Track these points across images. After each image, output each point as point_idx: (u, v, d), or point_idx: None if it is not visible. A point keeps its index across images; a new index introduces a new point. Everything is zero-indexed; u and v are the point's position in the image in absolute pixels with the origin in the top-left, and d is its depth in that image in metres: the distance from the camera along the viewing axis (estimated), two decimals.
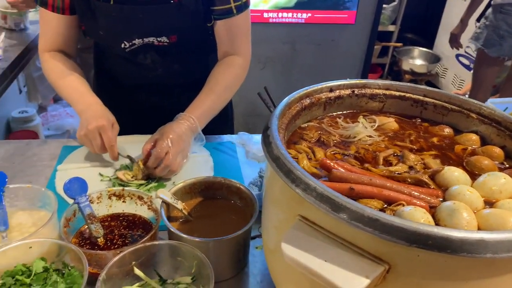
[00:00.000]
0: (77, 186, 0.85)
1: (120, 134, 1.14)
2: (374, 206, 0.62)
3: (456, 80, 4.10)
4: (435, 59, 4.38)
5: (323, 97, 0.85)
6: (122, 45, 1.19)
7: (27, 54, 1.97)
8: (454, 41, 3.11)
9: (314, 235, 0.57)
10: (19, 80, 2.60)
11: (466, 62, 3.92)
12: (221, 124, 1.46)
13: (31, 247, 0.77)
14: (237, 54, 1.26)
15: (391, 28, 4.02)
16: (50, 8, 1.13)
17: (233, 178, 0.93)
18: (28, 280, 0.73)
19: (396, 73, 4.48)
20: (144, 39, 1.18)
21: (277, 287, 0.76)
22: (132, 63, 1.25)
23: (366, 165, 0.72)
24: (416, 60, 4.45)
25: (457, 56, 4.01)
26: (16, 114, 2.58)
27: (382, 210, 0.62)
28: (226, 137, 1.34)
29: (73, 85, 1.17)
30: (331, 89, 0.86)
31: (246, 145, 1.28)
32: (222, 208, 0.92)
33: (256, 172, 1.17)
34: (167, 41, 1.19)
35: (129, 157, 1.12)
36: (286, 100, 0.78)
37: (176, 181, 1.10)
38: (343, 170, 0.66)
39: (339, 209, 0.53)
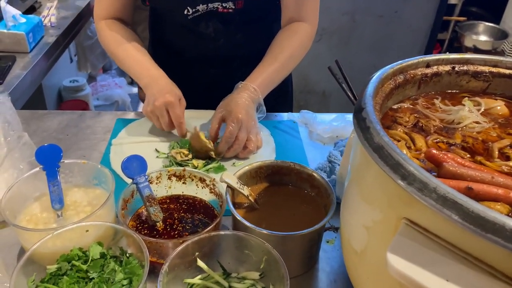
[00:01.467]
0: (136, 165, 0.78)
1: None
2: (499, 212, 0.50)
3: None
4: (502, 35, 4.01)
5: (419, 73, 0.72)
6: (185, 12, 1.09)
7: (79, 22, 1.93)
8: None
9: (428, 246, 0.46)
10: (70, 49, 2.59)
11: None
12: (279, 100, 1.36)
13: (87, 230, 0.71)
14: (303, 21, 1.13)
15: (454, 0, 3.71)
16: None
17: (297, 162, 0.83)
18: (84, 267, 0.67)
19: (456, 49, 4.15)
20: (209, 4, 1.08)
21: None
22: (193, 33, 1.16)
23: (478, 158, 0.60)
24: (480, 36, 4.09)
25: None
26: (67, 83, 2.59)
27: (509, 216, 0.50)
28: (287, 116, 1.23)
29: (134, 56, 1.09)
30: (428, 64, 0.73)
31: (310, 125, 1.17)
32: (291, 196, 0.82)
33: (322, 156, 1.07)
34: (233, 7, 1.09)
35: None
36: (378, 75, 0.66)
37: (236, 162, 1.01)
38: (456, 165, 0.54)
39: (469, 217, 0.41)
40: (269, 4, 1.17)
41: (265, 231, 0.69)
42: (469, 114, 0.67)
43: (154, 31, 1.31)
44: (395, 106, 0.71)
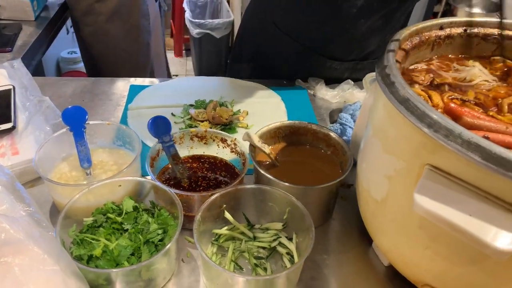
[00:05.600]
0: (161, 125, 0.81)
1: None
2: None
3: None
4: (494, 7, 4.05)
5: (433, 35, 0.76)
6: None
7: None
8: None
9: (451, 187, 0.51)
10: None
11: None
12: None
13: (120, 185, 0.75)
14: None
15: None
16: None
17: None
18: (119, 219, 0.71)
19: None
20: None
21: (376, 238, 0.72)
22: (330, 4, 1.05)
23: (490, 112, 0.64)
24: (473, 8, 4.12)
25: None
26: (65, 55, 2.57)
27: None
28: (296, 82, 1.26)
29: None
30: (441, 27, 0.77)
31: (318, 91, 1.21)
32: (308, 155, 0.87)
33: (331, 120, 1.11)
34: None
35: None
36: (397, 36, 0.69)
37: (249, 125, 1.05)
38: (473, 117, 0.59)
39: (492, 158, 0.46)
40: None
41: (287, 184, 0.73)
42: (480, 73, 0.72)
43: None
44: (411, 67, 0.75)
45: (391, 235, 0.66)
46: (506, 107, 0.66)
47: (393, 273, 0.72)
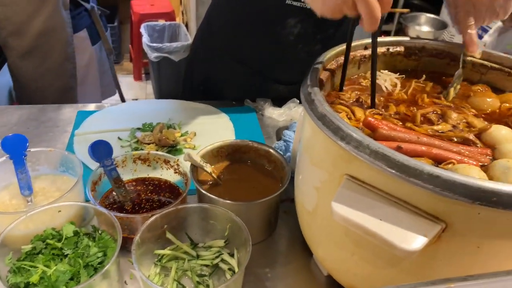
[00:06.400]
0: (102, 149, 0.82)
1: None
2: None
3: None
4: (441, 25, 4.29)
5: (358, 55, 0.82)
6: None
7: None
8: None
9: (365, 194, 0.55)
10: None
11: None
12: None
13: (60, 211, 0.75)
14: None
15: None
16: None
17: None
18: (59, 244, 0.71)
19: None
20: None
21: (313, 249, 0.75)
22: (268, 30, 1.11)
23: (409, 124, 0.69)
24: (422, 26, 4.35)
25: None
26: None
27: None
28: (244, 102, 1.30)
29: None
30: (365, 47, 0.82)
31: (265, 110, 1.25)
32: (251, 171, 0.89)
33: (278, 137, 1.15)
34: None
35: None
36: (322, 57, 0.74)
37: (196, 146, 1.07)
38: (388, 129, 0.64)
39: (396, 166, 0.50)
40: None
41: (227, 201, 0.76)
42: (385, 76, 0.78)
43: (213, 18, 1.27)
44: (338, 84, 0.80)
45: (323, 244, 0.69)
46: (419, 117, 0.71)
47: (332, 282, 0.75)
